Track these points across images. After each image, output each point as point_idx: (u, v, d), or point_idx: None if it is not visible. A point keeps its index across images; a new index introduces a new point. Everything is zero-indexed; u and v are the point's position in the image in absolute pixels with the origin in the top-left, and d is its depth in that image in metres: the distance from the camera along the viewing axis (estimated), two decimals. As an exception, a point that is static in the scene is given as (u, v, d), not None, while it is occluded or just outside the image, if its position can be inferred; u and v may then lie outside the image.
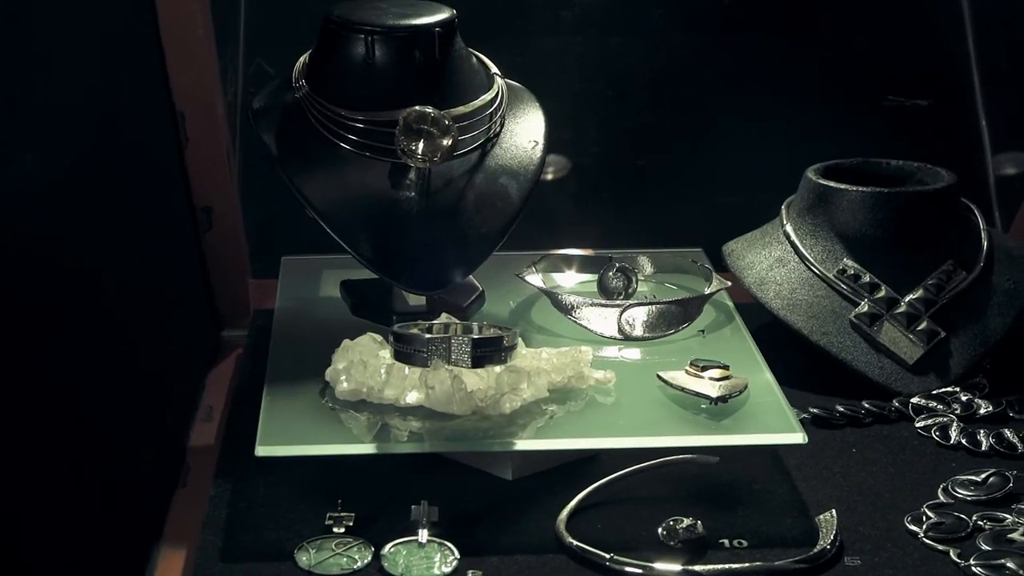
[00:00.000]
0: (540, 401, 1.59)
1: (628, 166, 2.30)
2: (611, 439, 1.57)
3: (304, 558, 1.47)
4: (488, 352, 1.56)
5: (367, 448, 1.54)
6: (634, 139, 2.29)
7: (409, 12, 1.75)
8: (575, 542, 1.48)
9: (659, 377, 1.63)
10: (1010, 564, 1.44)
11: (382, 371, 1.58)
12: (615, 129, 2.29)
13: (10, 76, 2.07)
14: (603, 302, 1.78)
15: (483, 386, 1.56)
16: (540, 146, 1.80)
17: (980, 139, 2.27)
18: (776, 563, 1.46)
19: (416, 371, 1.57)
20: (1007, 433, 1.69)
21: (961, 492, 1.59)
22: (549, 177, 2.29)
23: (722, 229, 2.00)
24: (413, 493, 1.52)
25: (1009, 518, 1.53)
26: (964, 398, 1.77)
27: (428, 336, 1.57)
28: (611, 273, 1.83)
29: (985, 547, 1.48)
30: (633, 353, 1.75)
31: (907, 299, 1.82)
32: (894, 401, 1.77)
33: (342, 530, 1.51)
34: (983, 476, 1.60)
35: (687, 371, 1.63)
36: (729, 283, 1.84)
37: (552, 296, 1.80)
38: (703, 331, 1.79)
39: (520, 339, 1.63)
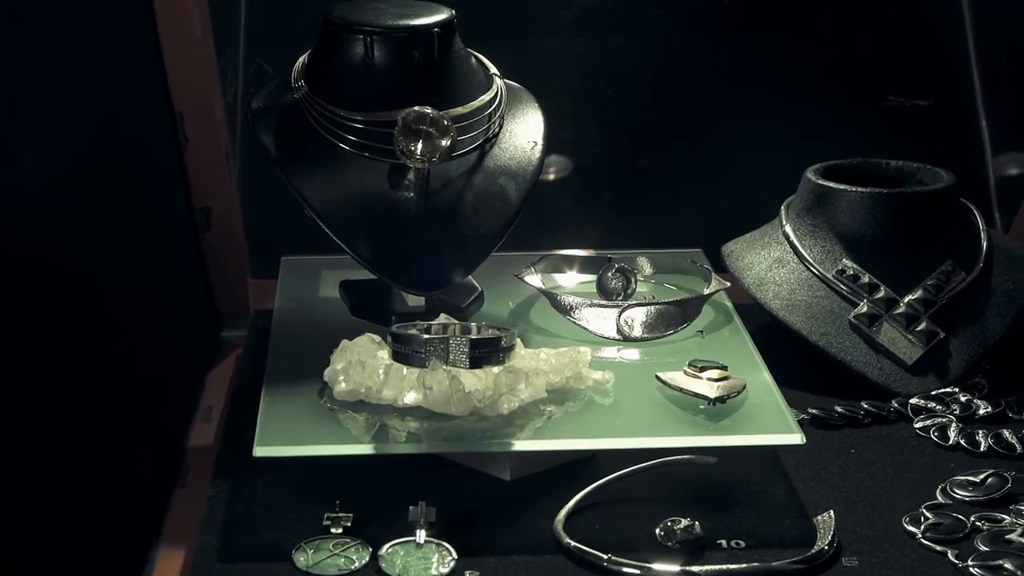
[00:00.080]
0: (538, 402, 1.59)
1: (628, 166, 2.30)
2: (609, 440, 1.57)
3: (302, 558, 1.47)
4: (486, 353, 1.56)
5: (365, 448, 1.54)
6: (634, 139, 2.29)
7: (408, 13, 1.75)
8: (573, 543, 1.48)
9: (657, 378, 1.63)
10: (1008, 565, 1.44)
11: (380, 371, 1.58)
12: (615, 129, 2.29)
13: (9, 76, 2.07)
14: (602, 303, 1.78)
15: (481, 387, 1.56)
16: (539, 147, 1.80)
17: (980, 139, 2.27)
18: (774, 564, 1.45)
19: (414, 371, 1.57)
20: (1006, 434, 1.69)
21: (959, 493, 1.59)
22: (551, 177, 2.29)
23: (722, 229, 2.00)
24: (411, 494, 1.52)
25: (1007, 519, 1.53)
26: (963, 399, 1.77)
27: (426, 337, 1.57)
28: (610, 274, 1.83)
29: (983, 548, 1.48)
30: (632, 354, 1.75)
31: (906, 300, 1.82)
32: (893, 402, 1.77)
33: (340, 530, 1.51)
34: (981, 477, 1.60)
35: (685, 372, 1.63)
36: (728, 284, 1.84)
37: (551, 296, 1.80)
38: (702, 332, 1.79)
39: (519, 340, 1.63)
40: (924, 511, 1.55)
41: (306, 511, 1.54)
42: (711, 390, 1.59)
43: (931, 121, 2.27)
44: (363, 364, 1.59)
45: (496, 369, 1.57)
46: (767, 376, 1.67)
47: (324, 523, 1.52)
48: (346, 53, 1.74)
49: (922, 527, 1.52)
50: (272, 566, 1.46)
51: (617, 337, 1.76)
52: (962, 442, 1.69)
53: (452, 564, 1.46)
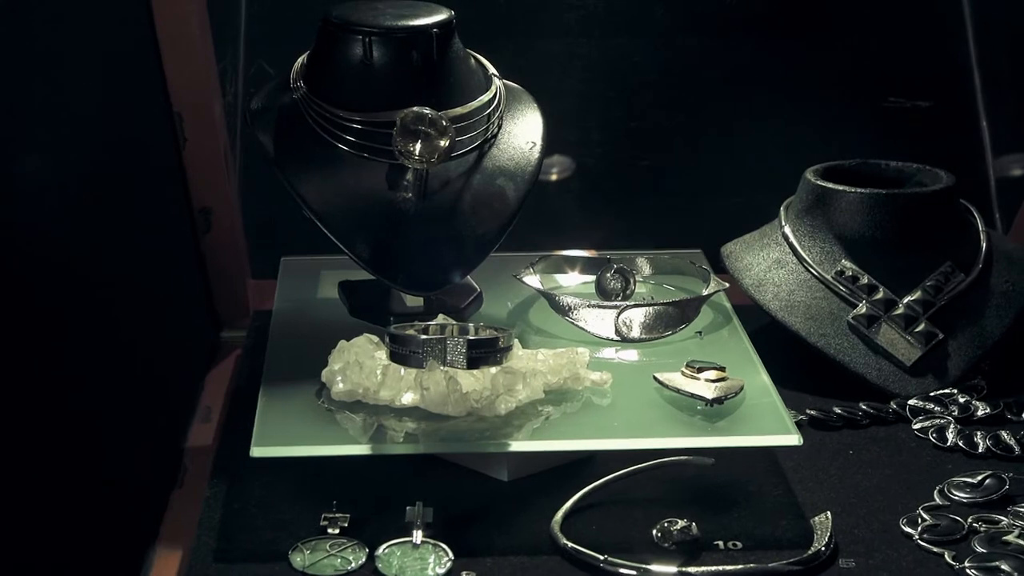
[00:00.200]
0: (536, 402, 1.59)
1: (629, 167, 2.30)
2: (607, 440, 1.57)
3: (298, 559, 1.47)
4: (483, 353, 1.56)
5: (362, 449, 1.54)
6: (636, 140, 2.29)
7: (407, 13, 1.75)
8: (569, 543, 1.48)
9: (655, 379, 1.63)
10: (1005, 566, 1.44)
11: (378, 372, 1.58)
12: (617, 130, 2.29)
13: (9, 77, 2.07)
14: (601, 303, 1.78)
15: (478, 387, 1.56)
16: (538, 147, 1.80)
17: (981, 140, 2.27)
18: (770, 565, 1.45)
19: (412, 372, 1.57)
20: (1004, 435, 1.69)
21: (957, 494, 1.59)
22: (553, 178, 2.29)
23: (722, 230, 2.00)
24: (408, 494, 1.52)
25: (1005, 520, 1.53)
26: (962, 400, 1.77)
27: (424, 337, 1.57)
28: (609, 274, 1.83)
29: (980, 549, 1.48)
30: (631, 354, 1.75)
31: (905, 301, 1.82)
32: (892, 403, 1.77)
33: (337, 531, 1.51)
34: (979, 478, 1.59)
35: (683, 372, 1.63)
36: (727, 284, 1.84)
37: (550, 297, 1.80)
38: (700, 332, 1.79)
39: (517, 340, 1.63)
40: (921, 512, 1.55)
41: (303, 512, 1.55)
42: (709, 391, 1.59)
43: (932, 122, 2.26)
44: (361, 365, 1.59)
45: (494, 370, 1.57)
46: (765, 377, 1.67)
47: (321, 523, 1.52)
48: (345, 53, 1.74)
49: (919, 528, 1.52)
50: (268, 567, 1.46)
51: (616, 338, 1.76)
52: (960, 443, 1.69)
53: (449, 564, 1.45)
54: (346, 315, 1.83)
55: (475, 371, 1.56)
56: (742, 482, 1.61)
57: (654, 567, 1.44)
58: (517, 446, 1.54)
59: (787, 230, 1.90)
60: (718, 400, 1.58)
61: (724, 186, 2.26)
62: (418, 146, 1.68)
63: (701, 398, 1.59)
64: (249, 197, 2.08)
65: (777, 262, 1.89)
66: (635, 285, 1.84)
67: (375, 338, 1.62)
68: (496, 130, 1.78)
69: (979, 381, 1.81)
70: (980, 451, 1.68)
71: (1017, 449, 1.67)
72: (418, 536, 1.48)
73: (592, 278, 1.85)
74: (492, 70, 1.82)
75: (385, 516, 1.52)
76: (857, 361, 1.81)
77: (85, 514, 2.14)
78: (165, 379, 2.12)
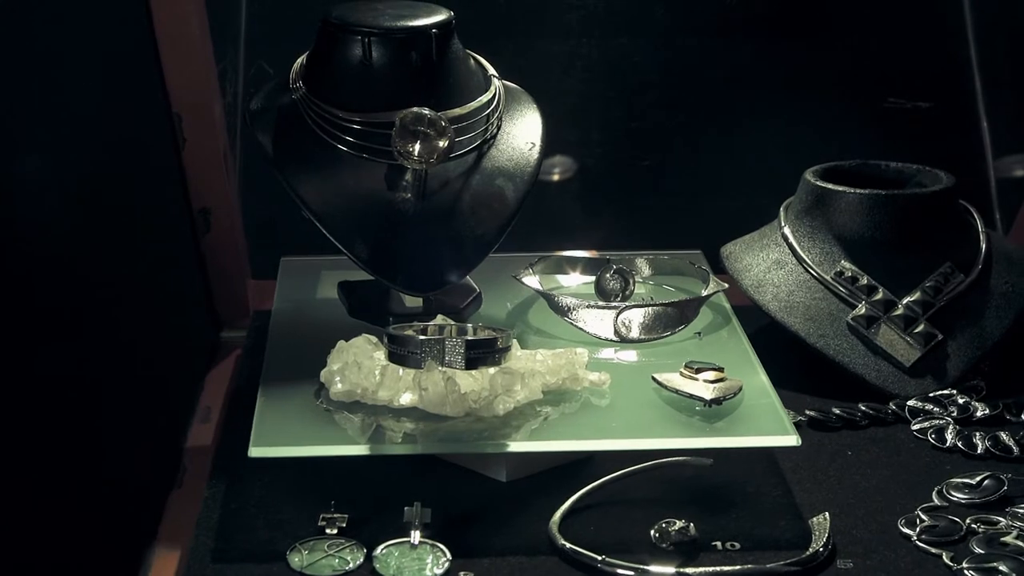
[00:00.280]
0: (534, 403, 1.59)
1: (630, 168, 2.30)
2: (605, 441, 1.57)
3: (296, 559, 1.47)
4: (482, 354, 1.56)
5: (361, 449, 1.54)
6: (636, 140, 2.29)
7: (406, 14, 1.75)
8: (567, 544, 1.48)
9: (654, 379, 1.63)
10: (1002, 567, 1.44)
11: (376, 372, 1.58)
12: (617, 130, 2.29)
13: (8, 78, 2.07)
14: (600, 304, 1.78)
15: (477, 388, 1.56)
16: (537, 148, 1.80)
17: (981, 141, 2.27)
18: (768, 566, 1.45)
19: (410, 372, 1.57)
20: (1003, 436, 1.69)
21: (955, 495, 1.59)
22: (555, 178, 2.29)
23: (723, 231, 2.00)
24: (406, 494, 1.52)
25: (1003, 521, 1.53)
26: (961, 401, 1.77)
27: (422, 338, 1.57)
28: (608, 275, 1.83)
29: (978, 550, 1.48)
30: (630, 355, 1.74)
31: (904, 301, 1.82)
32: (891, 404, 1.77)
33: (335, 531, 1.51)
34: (978, 479, 1.59)
35: (682, 373, 1.63)
36: (726, 285, 1.84)
37: (549, 298, 1.80)
38: (699, 333, 1.79)
39: (515, 341, 1.63)
40: (920, 513, 1.55)
41: (301, 512, 1.55)
42: (707, 391, 1.59)
43: (932, 123, 2.26)
44: (359, 365, 1.59)
45: (492, 370, 1.57)
46: (764, 378, 1.66)
47: (319, 524, 1.52)
48: (344, 54, 1.74)
49: (917, 529, 1.51)
50: (266, 567, 1.46)
51: (615, 338, 1.76)
52: (959, 444, 1.69)
53: (446, 565, 1.46)
54: (345, 315, 1.83)
55: (473, 371, 1.56)
56: (740, 483, 1.61)
57: (652, 568, 1.44)
58: (515, 446, 1.54)
59: (787, 231, 1.90)
60: (716, 401, 1.58)
61: (724, 187, 2.26)
62: (417, 146, 1.68)
63: (700, 399, 1.59)
64: (249, 197, 2.08)
65: (776, 263, 1.89)
66: (634, 286, 1.84)
67: (374, 338, 1.62)
68: (495, 131, 1.79)
69: (978, 382, 1.81)
70: (979, 452, 1.68)
71: (1016, 450, 1.67)
72: (416, 536, 1.48)
73: (592, 279, 1.85)
74: (491, 71, 1.82)
75: (383, 516, 1.52)
76: (856, 362, 1.81)
77: (84, 514, 2.14)
78: (165, 379, 2.12)
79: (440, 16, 1.75)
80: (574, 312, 1.77)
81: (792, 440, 1.55)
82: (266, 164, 1.74)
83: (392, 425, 1.56)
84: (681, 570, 1.44)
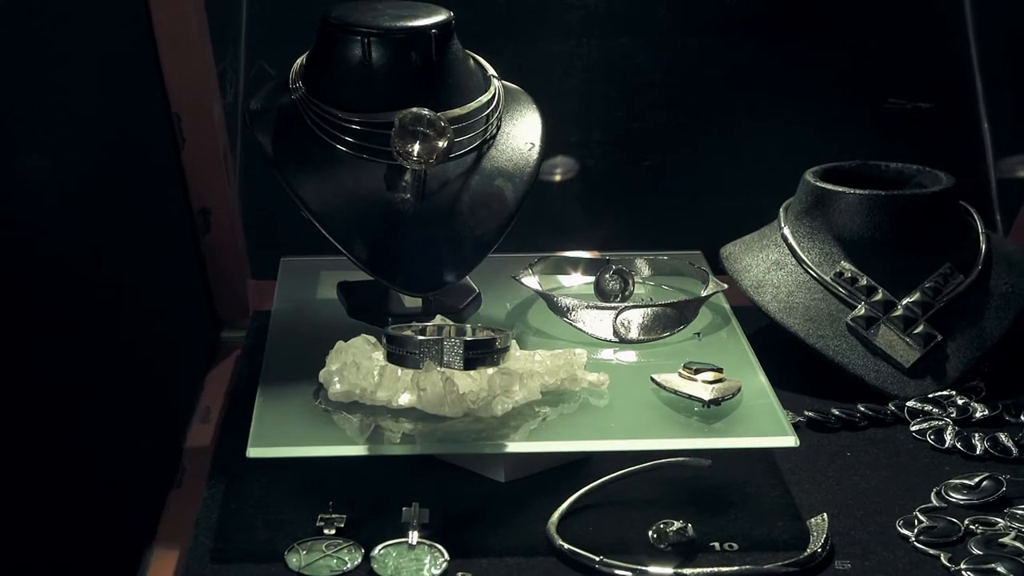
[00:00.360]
0: (533, 403, 1.59)
1: (630, 168, 2.30)
2: (603, 442, 1.57)
3: (294, 559, 1.47)
4: (480, 354, 1.56)
5: (359, 450, 1.54)
6: (636, 141, 2.29)
7: (406, 14, 1.75)
8: (565, 545, 1.48)
9: (652, 380, 1.63)
10: (1000, 568, 1.44)
11: (375, 373, 1.58)
12: (617, 131, 2.29)
13: (9, 77, 2.07)
14: (599, 304, 1.78)
15: (475, 388, 1.56)
16: (536, 148, 1.80)
17: (982, 142, 2.27)
18: (766, 566, 1.45)
19: (409, 373, 1.57)
20: (1002, 437, 1.69)
21: (954, 496, 1.58)
22: (557, 179, 2.29)
23: (723, 231, 2.00)
24: (405, 495, 1.52)
25: (1001, 522, 1.53)
26: (960, 402, 1.77)
27: (420, 338, 1.57)
28: (608, 275, 1.83)
29: (976, 551, 1.48)
30: (629, 356, 1.74)
31: (904, 302, 1.82)
32: (890, 405, 1.77)
33: (333, 532, 1.51)
34: (976, 480, 1.59)
35: (680, 374, 1.63)
36: (725, 286, 1.84)
37: (548, 298, 1.80)
38: (698, 334, 1.78)
39: (514, 341, 1.63)
40: (918, 514, 1.54)
41: (300, 512, 1.55)
42: (705, 392, 1.59)
43: (932, 123, 2.26)
44: (358, 365, 1.59)
45: (490, 371, 1.57)
46: (763, 378, 1.66)
47: (317, 524, 1.52)
48: (344, 54, 1.74)
49: (915, 530, 1.51)
50: (264, 567, 1.46)
51: (614, 339, 1.76)
52: (958, 445, 1.69)
53: (444, 565, 1.46)
54: (345, 316, 1.83)
55: (472, 372, 1.56)
56: (739, 483, 1.61)
57: (650, 568, 1.44)
58: (514, 447, 1.54)
59: (786, 231, 1.90)
60: (715, 401, 1.58)
61: (724, 187, 2.26)
62: (416, 147, 1.68)
63: (698, 399, 1.59)
64: (249, 197, 2.08)
65: (776, 263, 1.89)
66: (634, 286, 1.84)
67: (372, 339, 1.63)
68: (495, 131, 1.78)
69: (978, 383, 1.81)
70: (978, 453, 1.68)
71: (1015, 451, 1.67)
72: (414, 537, 1.48)
73: (591, 279, 1.85)
74: (491, 71, 1.82)
75: (381, 517, 1.52)
76: (856, 363, 1.81)
77: (84, 513, 2.14)
78: (165, 379, 2.12)
79: (440, 16, 1.75)
80: (573, 313, 1.77)
81: (790, 441, 1.55)
82: (266, 164, 1.74)
83: (390, 425, 1.56)
84: (679, 571, 1.44)
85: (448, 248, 1.72)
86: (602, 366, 1.69)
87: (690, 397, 1.59)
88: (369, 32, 1.72)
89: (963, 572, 1.45)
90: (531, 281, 1.85)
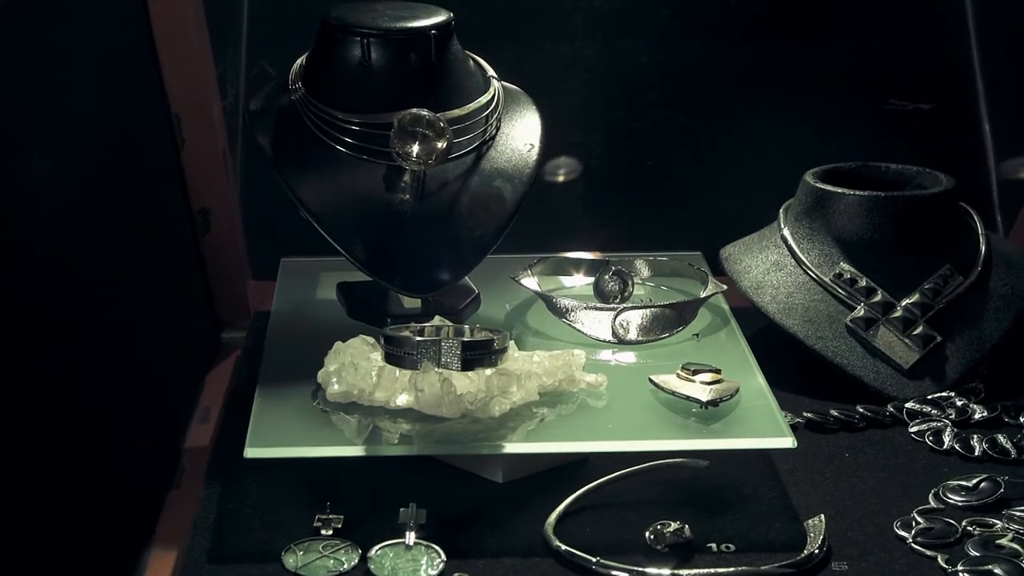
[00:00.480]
0: (531, 404, 1.59)
1: (631, 168, 2.30)
2: (601, 443, 1.57)
3: (291, 560, 1.47)
4: (478, 355, 1.56)
5: (357, 450, 1.54)
6: (637, 141, 2.29)
7: (405, 15, 1.75)
8: (562, 546, 1.48)
9: (650, 380, 1.63)
10: (997, 570, 1.44)
11: (373, 373, 1.58)
12: (618, 131, 2.29)
13: (9, 77, 2.07)
14: (598, 305, 1.78)
15: (473, 389, 1.56)
16: (536, 149, 1.80)
17: (983, 143, 2.26)
18: (763, 568, 1.45)
19: (407, 374, 1.57)
20: (1000, 438, 1.68)
21: (952, 497, 1.58)
22: (560, 179, 2.29)
23: (723, 232, 2.00)
24: (402, 495, 1.52)
25: (999, 524, 1.53)
26: (959, 403, 1.77)
27: (418, 339, 1.57)
28: (607, 276, 1.83)
29: (973, 553, 1.47)
30: (628, 357, 1.74)
31: (903, 303, 1.82)
32: (889, 406, 1.77)
33: (330, 532, 1.51)
34: (974, 481, 1.59)
35: (678, 375, 1.63)
36: (725, 287, 1.84)
37: (547, 299, 1.80)
38: (697, 335, 1.78)
39: (512, 342, 1.63)
40: (915, 516, 1.54)
41: (297, 512, 1.55)
42: (703, 393, 1.59)
43: (933, 124, 2.26)
44: (356, 366, 1.59)
45: (488, 371, 1.57)
46: (761, 379, 1.66)
47: (315, 524, 1.52)
48: (343, 55, 1.74)
49: (913, 532, 1.51)
50: (261, 567, 1.47)
51: (613, 340, 1.76)
52: (957, 447, 1.69)
53: (441, 566, 1.46)
54: (344, 316, 1.83)
55: (470, 373, 1.56)
56: (736, 485, 1.61)
57: (647, 569, 1.44)
58: (511, 448, 1.54)
59: (786, 232, 1.90)
60: (713, 403, 1.58)
61: (724, 187, 2.26)
62: (416, 148, 1.68)
63: (696, 400, 1.59)
64: (249, 197, 2.08)
65: (776, 264, 1.89)
66: (633, 287, 1.84)
67: (371, 339, 1.63)
68: (494, 132, 1.78)
69: (977, 384, 1.81)
70: (976, 454, 1.68)
71: (1013, 452, 1.67)
72: (411, 537, 1.48)
73: (590, 280, 1.85)
74: (491, 72, 1.82)
75: (379, 517, 1.52)
76: (855, 364, 1.81)
77: (83, 513, 2.14)
78: (165, 379, 2.12)
79: (439, 17, 1.75)
80: (572, 313, 1.77)
81: (788, 442, 1.55)
82: (266, 165, 1.74)
83: (388, 426, 1.56)
84: (676, 572, 1.44)
85: (447, 249, 1.72)
86: (601, 367, 1.69)
87: (688, 398, 1.59)
88: (369, 33, 1.72)
89: (960, 573, 1.44)
90: (530, 282, 1.85)
